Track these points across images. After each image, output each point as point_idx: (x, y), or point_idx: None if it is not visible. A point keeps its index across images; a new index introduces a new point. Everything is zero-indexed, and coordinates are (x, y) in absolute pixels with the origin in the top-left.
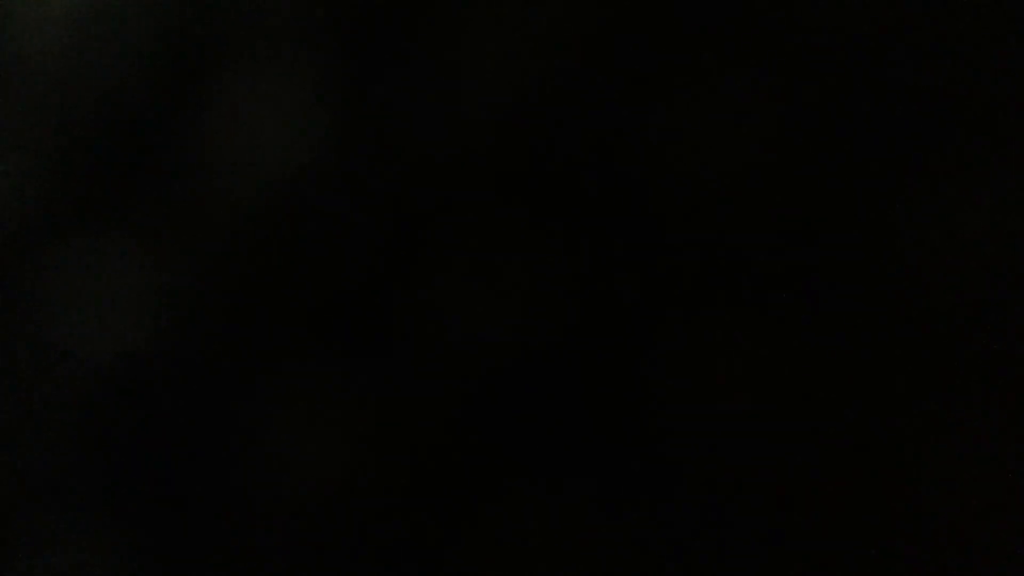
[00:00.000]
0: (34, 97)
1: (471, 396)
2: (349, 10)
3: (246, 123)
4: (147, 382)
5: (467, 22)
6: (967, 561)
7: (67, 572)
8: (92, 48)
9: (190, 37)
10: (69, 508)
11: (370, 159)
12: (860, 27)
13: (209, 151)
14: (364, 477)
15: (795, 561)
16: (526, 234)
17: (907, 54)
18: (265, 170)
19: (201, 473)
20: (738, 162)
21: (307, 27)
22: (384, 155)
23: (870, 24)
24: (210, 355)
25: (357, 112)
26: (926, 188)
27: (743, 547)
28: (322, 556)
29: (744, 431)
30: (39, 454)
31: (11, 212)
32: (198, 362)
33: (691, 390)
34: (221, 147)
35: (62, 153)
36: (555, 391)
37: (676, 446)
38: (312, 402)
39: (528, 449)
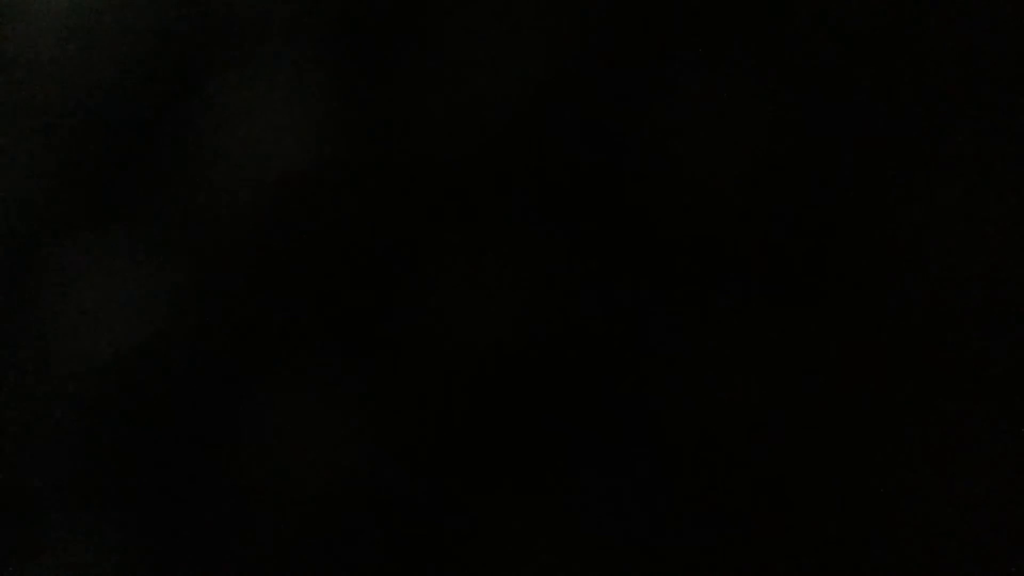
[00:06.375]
0: (34, 97)
1: (471, 395)
2: (349, 10)
3: (246, 122)
4: (147, 381)
5: (467, 21)
6: (967, 561)
7: (67, 572)
8: (92, 48)
9: (190, 37)
10: (69, 507)
11: (371, 158)
12: (860, 26)
13: (209, 150)
14: (365, 476)
15: (795, 560)
16: (526, 233)
17: (907, 53)
18: (265, 169)
19: (202, 472)
20: (739, 161)
21: (308, 27)
22: (385, 154)
23: (870, 23)
24: (211, 354)
25: (358, 111)
26: (926, 187)
27: (744, 546)
28: (323, 553)
29: (745, 430)
30: (39, 453)
31: (11, 212)
32: (198, 360)
33: (692, 389)
34: (222, 146)
35: (62, 153)
36: (556, 390)
37: (676, 445)
38: (313, 401)
39: (529, 448)
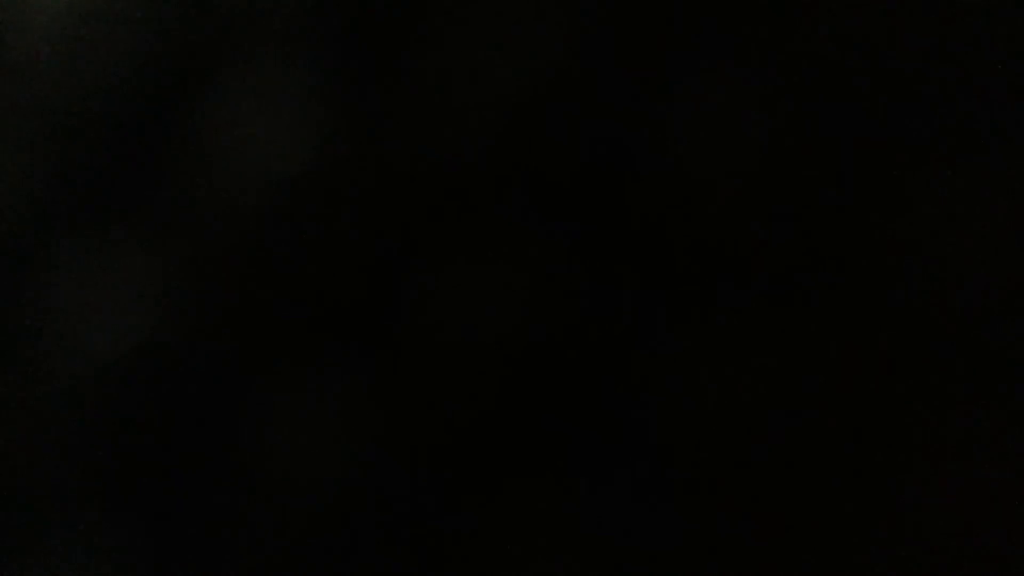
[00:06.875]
0: (34, 97)
1: (471, 395)
2: (350, 10)
3: (246, 122)
4: (147, 381)
5: (467, 22)
6: (967, 561)
7: (68, 571)
8: (92, 48)
9: (190, 38)
10: (69, 507)
11: (371, 158)
12: (861, 26)
13: (210, 150)
14: (365, 476)
15: (795, 560)
16: (526, 233)
17: (907, 53)
18: (265, 169)
19: (202, 472)
20: (739, 162)
21: (308, 27)
22: (385, 154)
23: (871, 23)
24: (211, 354)
25: (358, 111)
26: (927, 187)
27: (744, 546)
28: (323, 553)
29: (745, 430)
30: (39, 453)
31: (11, 212)
32: (198, 360)
33: (692, 389)
34: (222, 146)
35: (62, 153)
36: (556, 390)
37: (676, 445)
38: (313, 401)
39: (529, 448)
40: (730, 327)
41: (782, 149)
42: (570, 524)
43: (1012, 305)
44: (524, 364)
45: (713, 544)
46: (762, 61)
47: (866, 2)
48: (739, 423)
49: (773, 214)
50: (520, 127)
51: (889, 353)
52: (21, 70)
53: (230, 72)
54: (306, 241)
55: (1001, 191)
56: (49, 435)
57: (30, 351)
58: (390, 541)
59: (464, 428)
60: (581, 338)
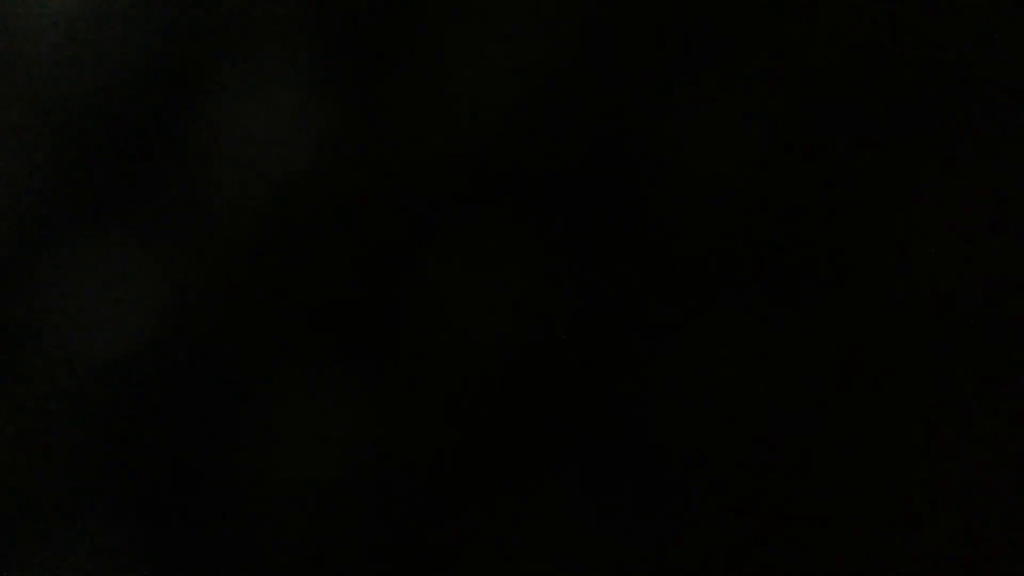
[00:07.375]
0: (34, 97)
1: (471, 395)
2: (350, 10)
3: (247, 122)
4: (147, 381)
5: (468, 21)
6: (965, 561)
7: (68, 571)
8: (92, 48)
9: (190, 37)
10: (69, 507)
11: (371, 158)
12: (861, 26)
13: (210, 150)
14: (364, 476)
15: (796, 561)
16: (527, 233)
17: (907, 53)
18: (266, 169)
19: (202, 473)
20: (739, 161)
21: (308, 27)
22: (385, 154)
23: (871, 23)
24: (211, 354)
25: (358, 111)
26: (926, 187)
27: (745, 546)
28: (323, 554)
29: (746, 430)
30: (39, 453)
31: (11, 212)
32: (198, 361)
33: (692, 389)
34: (222, 146)
35: (62, 153)
36: (555, 390)
37: (677, 445)
38: (313, 401)
39: (529, 448)
40: (730, 327)
41: (782, 149)
42: (570, 524)
43: (1012, 305)
44: (524, 364)
45: (713, 544)
46: (762, 61)
47: (866, 2)
48: (739, 423)
49: (773, 214)
50: (520, 127)
51: (889, 353)
52: (21, 70)
53: (230, 72)
54: (306, 241)
55: (1001, 191)
56: (49, 435)
57: (30, 351)
58: (390, 541)
59: (464, 428)
60: (581, 338)
